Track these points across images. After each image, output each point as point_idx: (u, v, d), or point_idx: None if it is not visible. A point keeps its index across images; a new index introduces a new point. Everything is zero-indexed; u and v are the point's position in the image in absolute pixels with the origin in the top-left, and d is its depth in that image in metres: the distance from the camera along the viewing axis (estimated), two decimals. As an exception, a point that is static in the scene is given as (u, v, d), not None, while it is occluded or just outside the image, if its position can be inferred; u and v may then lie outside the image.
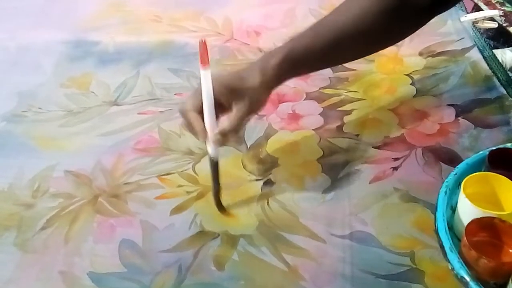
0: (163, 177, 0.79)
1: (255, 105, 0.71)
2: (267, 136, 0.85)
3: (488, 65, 0.94)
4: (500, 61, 0.95)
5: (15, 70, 1.04)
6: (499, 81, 0.90)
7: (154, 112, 0.91)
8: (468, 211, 0.62)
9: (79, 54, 1.07)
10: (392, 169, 0.78)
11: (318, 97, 0.91)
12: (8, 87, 0.99)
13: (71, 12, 1.20)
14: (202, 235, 0.71)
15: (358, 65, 0.96)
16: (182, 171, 0.80)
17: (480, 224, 0.60)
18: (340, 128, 0.85)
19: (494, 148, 0.69)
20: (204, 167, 0.79)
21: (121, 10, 1.19)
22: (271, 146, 0.83)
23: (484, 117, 0.85)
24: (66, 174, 0.81)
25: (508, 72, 0.93)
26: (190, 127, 0.70)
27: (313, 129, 0.85)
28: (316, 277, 0.65)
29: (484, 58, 0.95)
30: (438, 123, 0.85)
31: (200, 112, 0.68)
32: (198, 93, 0.68)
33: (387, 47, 0.83)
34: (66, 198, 0.77)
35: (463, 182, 0.63)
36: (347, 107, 0.89)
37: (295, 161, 0.80)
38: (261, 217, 0.73)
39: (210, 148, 0.70)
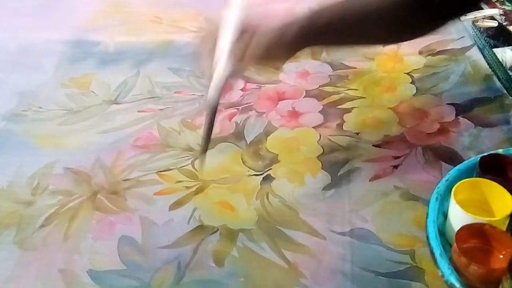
0: (162, 173, 0.79)
1: (267, 56, 0.69)
2: (266, 133, 0.85)
3: (488, 64, 0.94)
4: (500, 60, 0.95)
5: (15, 70, 1.04)
6: (499, 80, 0.91)
7: (154, 110, 0.91)
8: (458, 217, 0.61)
9: (80, 54, 1.07)
10: (392, 167, 0.78)
11: (318, 95, 0.91)
12: (9, 87, 0.99)
13: (71, 12, 1.20)
14: (201, 230, 0.71)
15: (358, 63, 0.97)
16: (181, 167, 0.80)
17: (470, 230, 0.60)
18: (340, 126, 0.85)
19: (485, 154, 0.69)
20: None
21: (121, 11, 1.20)
22: (271, 143, 0.83)
23: (484, 116, 0.85)
24: (66, 171, 0.81)
25: (508, 71, 0.93)
26: (200, 62, 0.68)
27: (313, 127, 0.85)
28: (316, 274, 0.65)
29: (484, 57, 0.96)
30: (438, 122, 0.85)
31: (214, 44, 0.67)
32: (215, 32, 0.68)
33: (405, 40, 0.82)
34: (66, 195, 0.77)
35: (453, 188, 0.63)
36: (347, 105, 0.89)
37: (295, 158, 0.80)
38: (261, 211, 0.73)
39: (212, 91, 0.66)
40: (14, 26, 1.16)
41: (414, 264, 0.65)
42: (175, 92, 0.95)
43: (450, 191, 0.63)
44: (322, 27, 0.70)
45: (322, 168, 0.78)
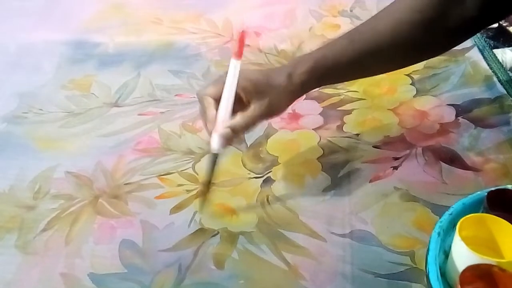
0: (163, 177, 0.79)
1: (274, 109, 0.69)
2: (267, 135, 0.85)
3: (488, 65, 0.94)
4: (500, 60, 0.95)
5: (16, 72, 1.04)
6: (499, 81, 0.90)
7: (154, 113, 0.91)
8: (463, 256, 0.56)
9: (80, 56, 1.07)
10: (392, 168, 0.78)
11: (318, 97, 0.91)
12: (9, 88, 0.99)
13: (72, 13, 1.20)
14: (202, 233, 0.71)
15: (358, 65, 0.96)
16: (182, 170, 0.80)
17: (476, 271, 0.54)
18: (340, 127, 0.85)
19: (493, 188, 0.62)
20: (204, 166, 0.80)
21: (121, 12, 1.20)
22: (271, 145, 0.83)
23: (484, 117, 0.85)
24: (67, 175, 0.81)
25: (508, 71, 0.93)
26: (202, 112, 0.68)
27: (313, 129, 0.85)
28: (316, 276, 0.65)
29: (484, 57, 0.95)
30: (438, 123, 0.85)
31: (218, 100, 0.66)
32: (221, 81, 0.66)
33: (424, 60, 0.81)
34: (67, 199, 0.77)
35: (458, 224, 0.57)
36: (347, 106, 0.89)
37: (295, 160, 0.80)
38: (261, 214, 0.73)
39: (214, 140, 0.67)
40: (14, 27, 1.16)
41: (414, 266, 0.66)
42: (175, 95, 0.95)
43: (453, 226, 0.58)
44: (327, 68, 0.69)
45: (322, 170, 0.79)
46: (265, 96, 0.67)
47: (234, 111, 0.67)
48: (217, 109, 0.66)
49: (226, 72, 0.66)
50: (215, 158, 0.69)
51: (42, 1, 1.24)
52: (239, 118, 0.66)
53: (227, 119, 0.66)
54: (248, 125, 0.67)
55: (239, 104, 0.67)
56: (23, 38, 1.13)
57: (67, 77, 1.02)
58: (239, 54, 0.65)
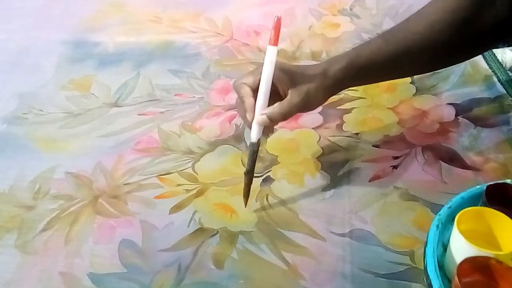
0: (162, 176, 0.79)
1: (310, 101, 0.70)
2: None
3: (488, 64, 0.94)
4: (500, 60, 0.94)
5: (15, 72, 1.04)
6: (499, 80, 0.90)
7: (154, 113, 0.91)
8: (461, 249, 0.56)
9: (80, 55, 1.07)
10: (392, 167, 0.78)
11: (317, 96, 0.91)
12: (9, 89, 0.99)
13: (71, 13, 1.19)
14: (201, 233, 0.71)
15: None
16: (181, 170, 0.80)
17: (474, 264, 0.55)
18: (339, 126, 0.85)
19: (492, 182, 0.63)
20: (204, 166, 0.80)
21: (121, 10, 1.19)
22: (271, 145, 0.83)
23: (484, 117, 0.85)
24: (67, 175, 0.81)
25: (508, 71, 0.93)
26: (239, 102, 0.69)
27: (312, 128, 0.85)
28: (315, 276, 0.65)
29: (484, 57, 0.95)
30: (438, 122, 0.85)
31: (255, 90, 0.67)
32: (258, 71, 0.67)
33: (456, 63, 0.81)
34: (67, 199, 0.77)
35: (457, 217, 0.58)
36: (346, 105, 0.89)
37: (294, 159, 0.80)
38: (260, 213, 0.73)
39: (253, 130, 0.68)
40: (14, 27, 1.16)
41: (414, 265, 0.66)
42: (175, 95, 0.95)
43: (452, 219, 0.59)
44: (362, 67, 0.70)
45: (322, 169, 0.79)
46: (302, 87, 0.68)
47: (269, 103, 0.68)
48: (254, 98, 0.68)
49: (263, 64, 0.67)
50: (256, 147, 0.69)
51: (41, 0, 1.24)
52: (277, 106, 0.68)
53: (264, 107, 0.67)
54: (286, 114, 0.69)
55: (274, 95, 0.68)
56: (23, 38, 1.12)
57: (66, 77, 1.01)
58: (275, 41, 0.66)
